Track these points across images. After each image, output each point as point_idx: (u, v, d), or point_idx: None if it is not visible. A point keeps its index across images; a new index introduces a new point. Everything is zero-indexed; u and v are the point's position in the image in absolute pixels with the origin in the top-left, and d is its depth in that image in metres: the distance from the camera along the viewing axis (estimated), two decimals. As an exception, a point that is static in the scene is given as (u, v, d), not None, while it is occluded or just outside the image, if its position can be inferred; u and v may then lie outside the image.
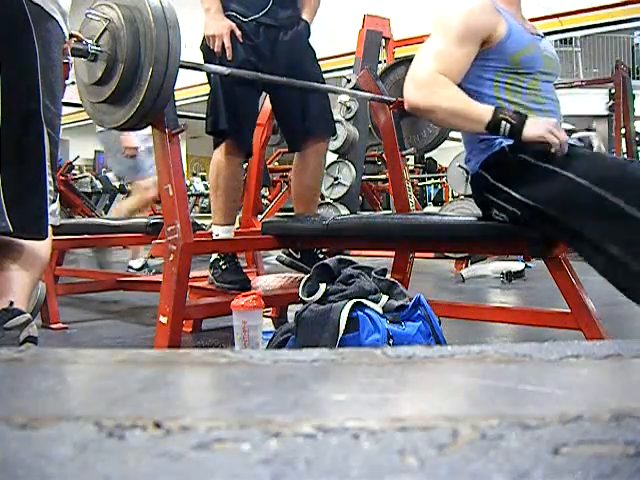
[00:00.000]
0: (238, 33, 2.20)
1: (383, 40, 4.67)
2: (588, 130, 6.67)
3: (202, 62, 2.22)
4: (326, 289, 1.65)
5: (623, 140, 6.17)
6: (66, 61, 1.55)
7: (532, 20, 1.97)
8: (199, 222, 3.82)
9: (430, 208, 8.52)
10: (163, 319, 1.86)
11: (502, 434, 0.29)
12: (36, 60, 1.28)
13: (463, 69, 1.68)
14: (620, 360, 0.44)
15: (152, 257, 3.82)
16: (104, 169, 10.12)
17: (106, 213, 9.12)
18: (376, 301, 1.63)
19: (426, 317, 1.64)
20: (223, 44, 2.18)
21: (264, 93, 2.47)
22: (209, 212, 3.96)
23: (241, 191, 2.62)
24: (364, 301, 1.59)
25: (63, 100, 1.47)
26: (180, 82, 1.88)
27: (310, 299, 1.64)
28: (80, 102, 2.02)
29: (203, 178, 11.60)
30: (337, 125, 3.74)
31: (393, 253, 2.35)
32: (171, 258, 1.87)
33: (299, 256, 2.38)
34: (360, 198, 5.93)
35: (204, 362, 0.45)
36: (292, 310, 1.93)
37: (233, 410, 0.34)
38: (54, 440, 0.29)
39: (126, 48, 1.77)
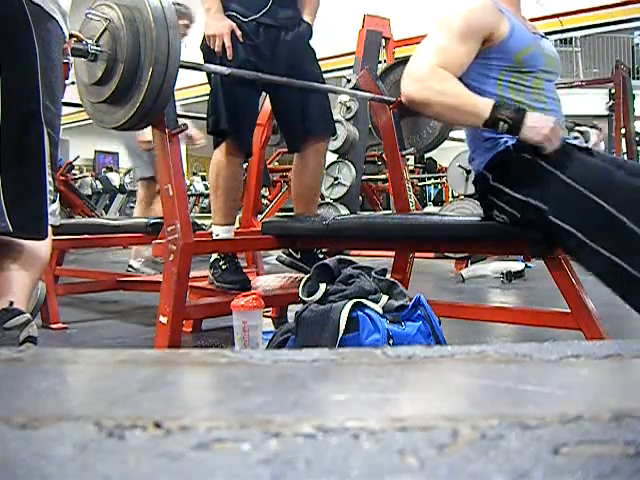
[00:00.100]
0: (238, 33, 2.20)
1: (383, 40, 4.68)
2: (593, 128, 6.70)
3: (202, 62, 2.22)
4: (326, 289, 1.65)
5: (623, 140, 6.18)
6: (66, 61, 1.55)
7: (532, 20, 1.97)
8: (199, 222, 3.83)
9: (430, 208, 8.52)
10: (163, 319, 1.86)
11: (502, 434, 0.29)
12: (36, 60, 1.28)
13: (463, 65, 1.67)
14: (620, 360, 0.44)
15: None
16: (127, 172, 10.09)
17: (106, 213, 9.13)
18: (376, 301, 1.63)
19: (426, 317, 1.64)
20: (223, 44, 2.18)
21: (264, 93, 2.47)
22: (209, 212, 3.97)
23: (241, 191, 2.63)
24: (364, 301, 1.59)
25: (63, 100, 1.47)
26: (180, 82, 1.88)
27: (310, 299, 1.64)
28: (80, 102, 2.02)
29: (203, 178, 11.60)
30: (337, 125, 3.74)
31: (393, 253, 2.35)
32: (171, 258, 1.87)
33: (299, 256, 2.38)
34: (360, 198, 5.93)
35: (204, 362, 0.45)
36: (292, 310, 1.93)
37: (233, 410, 0.34)
38: (54, 440, 0.29)
39: (126, 48, 1.77)
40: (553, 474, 0.26)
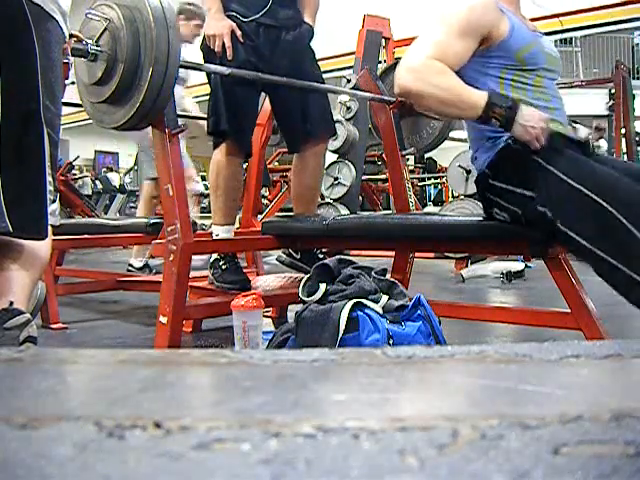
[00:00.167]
0: (239, 33, 2.20)
1: (383, 40, 4.67)
2: (597, 129, 6.68)
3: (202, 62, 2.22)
4: (326, 289, 1.65)
5: (623, 140, 6.18)
6: (66, 61, 1.55)
7: (532, 20, 1.97)
8: (199, 222, 3.82)
9: (430, 208, 8.52)
10: (163, 319, 1.86)
11: (502, 434, 0.29)
12: (36, 60, 1.28)
13: (460, 61, 1.66)
14: (620, 360, 0.44)
15: (152, 257, 3.82)
16: (127, 172, 10.06)
17: (106, 213, 9.13)
18: (376, 301, 1.63)
19: (426, 317, 1.64)
20: (224, 44, 2.18)
21: (264, 93, 2.47)
22: (209, 212, 3.96)
23: (241, 191, 2.63)
24: (364, 301, 1.59)
25: (63, 100, 1.47)
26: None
27: (310, 299, 1.64)
28: (80, 102, 2.02)
29: (203, 178, 11.60)
30: (337, 125, 3.74)
31: (393, 253, 2.35)
32: (171, 258, 1.87)
33: (299, 256, 2.38)
34: (360, 198, 5.93)
35: (204, 362, 0.45)
36: (292, 310, 1.93)
37: (233, 410, 0.34)
38: (54, 440, 0.29)
39: (126, 48, 1.77)
40: (553, 474, 0.26)
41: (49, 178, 1.36)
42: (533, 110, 1.61)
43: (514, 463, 0.27)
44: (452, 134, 3.07)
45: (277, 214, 3.73)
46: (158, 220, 2.92)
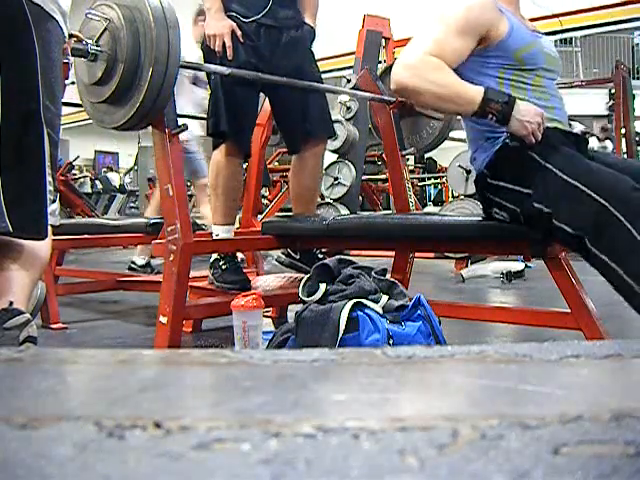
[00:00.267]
0: (239, 33, 2.20)
1: (383, 40, 4.67)
2: (604, 129, 6.69)
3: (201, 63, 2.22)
4: (326, 289, 1.65)
5: (623, 140, 6.18)
6: (66, 61, 1.55)
7: (532, 20, 1.98)
8: (199, 222, 3.82)
9: (430, 208, 8.52)
10: (163, 319, 1.86)
11: (502, 434, 0.29)
12: (36, 60, 1.28)
13: (458, 58, 1.66)
14: (620, 360, 0.44)
15: (153, 257, 3.82)
16: (127, 172, 10.02)
17: (105, 213, 9.13)
18: (376, 301, 1.63)
19: (426, 317, 1.64)
20: (224, 44, 2.18)
21: (263, 94, 2.47)
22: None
23: (241, 191, 2.63)
24: (364, 301, 1.59)
25: (63, 100, 1.47)
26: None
27: (310, 299, 1.64)
28: (80, 102, 2.02)
29: (203, 178, 11.59)
30: (337, 125, 3.74)
31: (393, 253, 2.35)
32: (171, 258, 1.87)
33: (298, 257, 2.38)
34: (360, 198, 5.93)
35: (204, 362, 0.45)
36: (292, 310, 1.93)
37: (233, 410, 0.34)
38: (54, 440, 0.29)
39: (126, 48, 1.77)
40: (553, 474, 0.26)
41: (49, 178, 1.36)
42: (529, 105, 1.62)
43: (514, 463, 0.27)
44: (452, 134, 3.07)
45: (277, 214, 3.73)
46: (158, 220, 2.92)
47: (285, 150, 3.20)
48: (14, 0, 1.25)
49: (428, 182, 9.87)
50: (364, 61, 4.24)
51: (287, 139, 2.52)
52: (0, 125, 1.24)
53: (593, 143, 6.76)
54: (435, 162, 9.63)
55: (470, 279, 3.82)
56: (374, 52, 4.46)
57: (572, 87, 8.03)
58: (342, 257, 1.78)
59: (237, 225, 2.81)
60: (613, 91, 6.71)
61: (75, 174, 9.60)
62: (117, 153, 16.84)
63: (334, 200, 4.04)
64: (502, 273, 3.77)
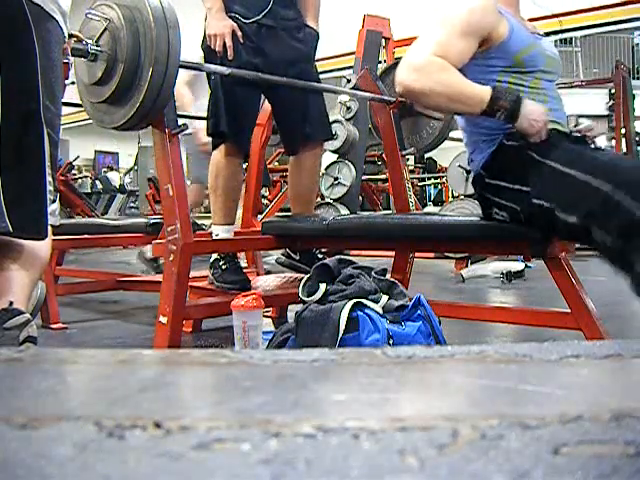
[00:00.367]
0: (239, 33, 2.20)
1: (383, 40, 4.67)
2: (612, 129, 6.71)
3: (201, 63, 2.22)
4: (326, 289, 1.65)
5: (623, 140, 6.17)
6: (66, 61, 1.55)
7: (532, 20, 1.98)
8: (199, 222, 3.83)
9: (430, 208, 8.52)
10: (163, 319, 1.86)
11: (502, 434, 0.29)
12: (36, 60, 1.28)
13: (462, 59, 1.66)
14: (620, 360, 0.44)
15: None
16: (127, 172, 10.01)
17: (105, 213, 9.13)
18: (376, 301, 1.63)
19: (426, 317, 1.64)
20: (224, 44, 2.18)
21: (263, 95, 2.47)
22: (209, 212, 3.97)
23: (241, 191, 2.63)
24: (364, 301, 1.59)
25: (63, 100, 1.47)
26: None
27: (310, 299, 1.64)
28: (80, 102, 2.02)
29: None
30: (337, 125, 3.74)
31: (393, 253, 2.35)
32: (171, 258, 1.87)
33: (298, 257, 2.38)
34: (360, 198, 5.93)
35: (204, 362, 0.45)
36: (292, 310, 1.93)
37: (233, 410, 0.34)
38: (54, 440, 0.29)
39: (126, 48, 1.77)
40: (553, 474, 0.26)
41: (49, 178, 1.36)
42: (536, 104, 1.62)
43: (514, 463, 0.27)
44: (452, 134, 3.07)
45: (277, 214, 3.73)
46: (158, 220, 2.92)
47: (285, 150, 3.19)
48: (14, 0, 1.25)
49: (428, 182, 9.87)
50: (364, 61, 4.24)
51: (286, 140, 2.52)
52: (0, 125, 1.24)
53: (601, 142, 6.76)
54: (435, 162, 9.62)
55: (470, 279, 3.82)
56: (374, 52, 4.46)
57: (572, 87, 8.02)
58: (342, 257, 1.79)
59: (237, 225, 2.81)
60: (613, 91, 6.70)
61: (75, 174, 9.60)
62: (117, 153, 16.84)
63: (334, 200, 4.04)
64: (502, 273, 3.77)
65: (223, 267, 2.29)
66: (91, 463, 0.27)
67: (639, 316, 2.72)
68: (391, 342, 1.54)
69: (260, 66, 2.20)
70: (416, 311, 1.64)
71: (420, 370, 0.43)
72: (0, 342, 1.24)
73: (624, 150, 6.07)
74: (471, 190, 3.89)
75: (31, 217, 1.32)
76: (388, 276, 1.84)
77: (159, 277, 2.17)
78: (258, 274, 2.77)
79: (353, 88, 2.78)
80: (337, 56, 8.18)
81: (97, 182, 10.67)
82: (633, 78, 7.75)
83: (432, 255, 3.85)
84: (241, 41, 2.21)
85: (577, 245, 1.89)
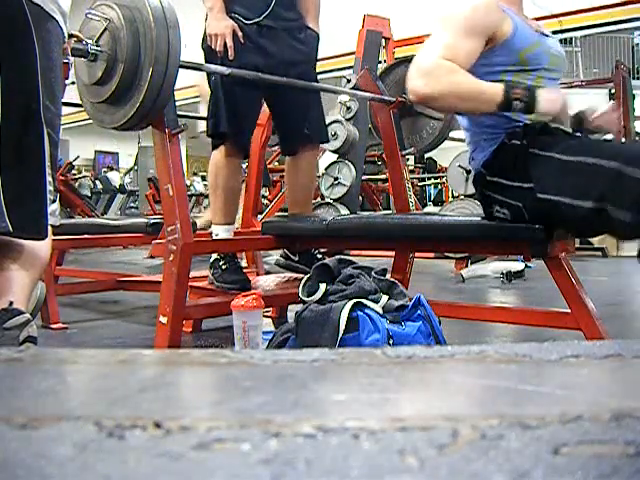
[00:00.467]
0: (240, 34, 2.20)
1: (383, 40, 4.67)
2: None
3: (201, 62, 2.21)
4: (326, 289, 1.65)
5: (623, 140, 6.18)
6: (66, 61, 1.55)
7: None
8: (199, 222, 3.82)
9: (430, 208, 8.51)
10: (163, 319, 1.86)
11: (502, 434, 0.29)
12: (36, 60, 1.28)
13: (470, 60, 1.64)
14: (620, 360, 0.44)
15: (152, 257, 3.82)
16: (127, 172, 10.01)
17: (105, 213, 9.13)
18: (376, 301, 1.63)
19: (426, 317, 1.64)
20: (225, 44, 2.18)
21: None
22: (209, 212, 3.96)
23: (240, 191, 2.63)
24: (364, 301, 1.59)
25: (63, 100, 1.47)
26: (180, 82, 1.88)
27: (310, 299, 1.64)
28: (80, 102, 2.03)
29: (203, 178, 11.61)
30: (337, 125, 3.74)
31: (393, 253, 2.35)
32: (171, 258, 1.87)
33: (297, 258, 2.39)
34: (360, 198, 5.93)
35: (204, 362, 0.45)
36: (292, 310, 1.93)
37: (233, 410, 0.34)
38: (54, 440, 0.29)
39: (126, 48, 1.77)
40: (553, 474, 0.26)
41: (49, 178, 1.36)
42: (548, 88, 1.62)
43: (514, 463, 0.27)
44: (452, 134, 3.07)
45: (277, 214, 3.73)
46: (158, 220, 2.92)
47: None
48: (14, 0, 1.25)
49: (428, 182, 9.86)
50: (364, 61, 4.24)
51: (285, 140, 2.51)
52: (0, 125, 1.24)
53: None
54: (435, 162, 9.62)
55: (470, 279, 3.82)
56: (374, 52, 4.46)
57: (572, 87, 8.02)
58: (342, 257, 1.79)
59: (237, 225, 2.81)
60: (613, 91, 6.70)
61: (75, 174, 9.60)
62: (117, 153, 16.84)
63: (334, 200, 4.04)
64: (502, 273, 3.78)
65: (223, 267, 2.29)
66: (91, 463, 0.27)
67: (639, 316, 2.73)
68: (391, 342, 1.54)
69: (261, 66, 2.20)
70: (416, 311, 1.64)
71: (420, 370, 0.43)
72: (0, 342, 1.24)
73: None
74: (471, 190, 3.90)
75: (31, 217, 1.32)
76: (388, 276, 1.84)
77: (159, 277, 2.17)
78: (258, 274, 2.77)
79: (353, 88, 2.79)
80: (337, 56, 8.18)
81: (97, 182, 10.67)
82: (633, 78, 7.75)
83: (432, 255, 3.85)
84: (241, 41, 2.21)
85: (577, 245, 1.90)
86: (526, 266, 3.86)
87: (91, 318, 2.85)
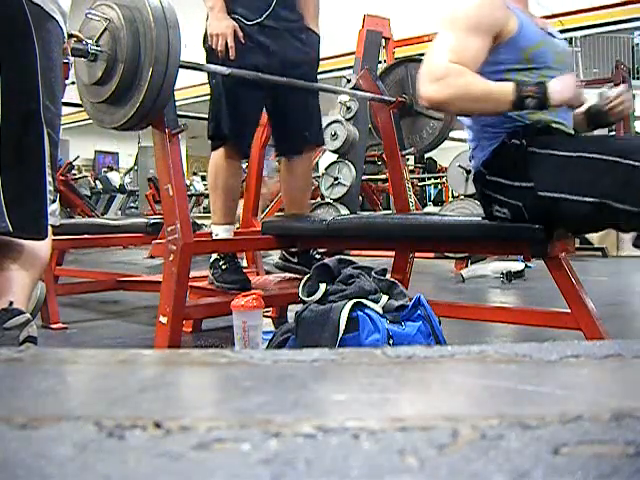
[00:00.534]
0: (240, 34, 2.20)
1: (383, 40, 4.67)
2: None
3: (201, 62, 2.21)
4: (326, 289, 1.65)
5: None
6: (66, 61, 1.55)
7: (533, 20, 1.97)
8: (199, 222, 3.83)
9: (430, 208, 8.52)
10: (163, 319, 1.86)
11: (502, 434, 0.29)
12: (36, 60, 1.28)
13: (478, 60, 1.63)
14: (620, 360, 0.44)
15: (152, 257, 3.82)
16: (127, 172, 10.01)
17: (105, 213, 9.13)
18: (376, 301, 1.63)
19: (426, 317, 1.64)
20: (227, 43, 2.18)
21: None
22: (209, 212, 3.96)
23: (240, 190, 2.62)
24: (364, 301, 1.59)
25: (63, 100, 1.47)
26: (180, 82, 1.89)
27: (310, 299, 1.64)
28: (80, 102, 2.03)
29: (203, 178, 11.61)
30: (337, 125, 3.74)
31: (393, 253, 2.35)
32: (171, 258, 1.87)
33: (296, 259, 2.38)
34: (360, 198, 5.93)
35: (204, 362, 0.45)
36: (292, 310, 1.93)
37: (233, 410, 0.34)
38: (54, 440, 0.29)
39: (126, 48, 1.77)
40: (553, 474, 0.26)
41: (49, 178, 1.36)
42: (556, 79, 1.61)
43: (514, 463, 0.27)
44: (452, 134, 3.07)
45: (277, 214, 3.73)
46: (158, 220, 2.92)
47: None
48: (14, 0, 1.25)
49: (428, 182, 9.87)
50: (364, 61, 4.24)
51: (284, 141, 2.49)
52: (0, 125, 1.24)
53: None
54: (435, 162, 9.63)
55: (470, 279, 3.82)
56: (374, 52, 4.47)
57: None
58: (342, 257, 1.79)
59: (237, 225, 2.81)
60: (613, 91, 6.70)
61: (75, 174, 9.59)
62: (117, 153, 16.85)
63: (334, 200, 4.04)
64: (502, 273, 3.78)
65: (223, 267, 2.28)
66: (91, 463, 0.27)
67: (639, 316, 2.73)
68: (391, 342, 1.54)
69: (263, 66, 2.19)
70: (416, 311, 1.64)
71: (420, 370, 0.43)
72: (0, 342, 1.24)
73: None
74: (471, 190, 3.90)
75: (31, 217, 1.32)
76: (388, 276, 1.84)
77: (159, 277, 2.17)
78: (258, 274, 2.77)
79: (353, 88, 2.78)
80: (337, 56, 8.19)
81: (97, 182, 10.67)
82: (633, 78, 7.76)
83: (432, 255, 3.85)
84: (242, 41, 2.20)
85: (577, 245, 1.90)
86: (526, 266, 3.86)
87: (91, 318, 2.85)
